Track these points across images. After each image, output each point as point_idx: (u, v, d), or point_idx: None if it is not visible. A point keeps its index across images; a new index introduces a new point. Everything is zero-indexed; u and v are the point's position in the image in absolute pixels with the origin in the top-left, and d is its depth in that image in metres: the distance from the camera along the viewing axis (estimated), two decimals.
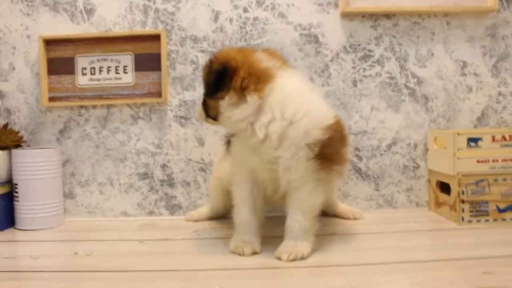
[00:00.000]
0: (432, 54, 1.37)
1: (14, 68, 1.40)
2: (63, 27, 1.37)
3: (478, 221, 1.19)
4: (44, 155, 1.29)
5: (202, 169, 1.38)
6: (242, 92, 0.94)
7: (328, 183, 1.02)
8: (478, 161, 1.19)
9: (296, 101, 0.95)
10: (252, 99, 0.94)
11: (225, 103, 0.95)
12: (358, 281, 0.84)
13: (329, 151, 0.97)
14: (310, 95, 0.99)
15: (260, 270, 0.91)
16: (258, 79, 0.95)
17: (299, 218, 0.98)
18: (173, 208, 1.39)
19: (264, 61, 0.98)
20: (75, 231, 1.26)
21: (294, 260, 0.94)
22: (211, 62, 0.99)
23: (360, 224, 1.23)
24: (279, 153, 0.95)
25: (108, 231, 1.25)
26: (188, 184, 1.38)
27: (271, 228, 1.06)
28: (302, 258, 0.95)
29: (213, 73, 0.96)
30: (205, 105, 1.02)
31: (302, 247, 0.97)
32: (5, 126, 1.36)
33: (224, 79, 0.95)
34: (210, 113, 1.01)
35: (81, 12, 1.37)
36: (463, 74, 1.38)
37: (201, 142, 1.37)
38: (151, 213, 1.39)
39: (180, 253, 1.04)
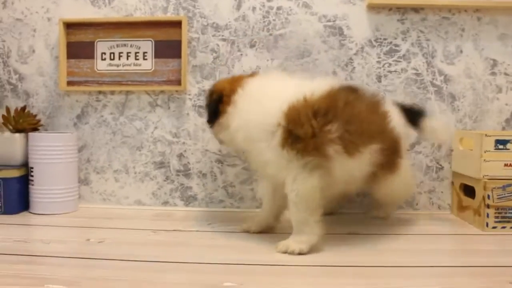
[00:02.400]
0: (461, 51, 1.32)
1: (34, 51, 1.39)
2: (84, 11, 1.36)
3: (503, 227, 1.14)
4: (61, 139, 1.28)
5: (219, 161, 1.35)
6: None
7: (315, 168, 0.96)
8: (505, 165, 1.14)
9: (251, 99, 1.02)
10: (228, 114, 1.05)
11: (217, 128, 1.10)
12: (376, 283, 0.81)
13: (297, 133, 0.95)
14: (267, 90, 1.03)
15: (272, 266, 0.88)
16: (233, 95, 1.05)
17: (292, 211, 0.98)
18: (188, 199, 1.37)
19: (239, 79, 1.08)
20: (88, 218, 1.25)
21: (284, 252, 0.95)
22: (210, 92, 1.11)
23: (380, 225, 1.19)
24: (248, 151, 1.04)
25: (121, 219, 1.24)
26: (204, 175, 1.36)
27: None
28: (294, 253, 0.95)
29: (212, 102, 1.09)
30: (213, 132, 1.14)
31: (296, 242, 0.96)
32: (23, 108, 1.35)
33: (218, 106, 1.07)
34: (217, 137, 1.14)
35: None
36: (493, 73, 1.32)
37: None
38: (165, 203, 1.38)
39: (192, 245, 1.01)
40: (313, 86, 1.00)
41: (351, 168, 0.99)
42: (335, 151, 0.96)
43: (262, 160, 0.99)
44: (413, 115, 1.17)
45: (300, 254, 0.94)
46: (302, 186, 0.96)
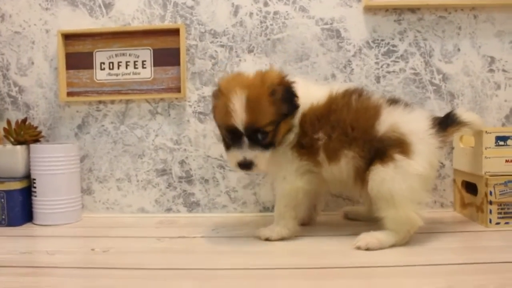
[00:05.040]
0: (459, 50, 1.32)
1: (33, 63, 1.39)
2: (82, 22, 1.36)
3: (506, 223, 1.14)
4: (62, 150, 1.28)
5: (221, 166, 1.36)
6: None
7: (306, 172, 1.06)
8: (507, 161, 1.15)
9: None
10: None
11: None
12: (380, 283, 0.81)
13: (301, 139, 1.05)
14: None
15: (278, 270, 0.88)
16: None
17: (276, 203, 1.09)
18: (191, 205, 1.37)
19: None
20: (92, 227, 1.25)
21: (257, 236, 1.07)
22: None
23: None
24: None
25: (125, 228, 1.24)
26: (206, 181, 1.36)
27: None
28: (261, 238, 1.07)
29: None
30: None
31: (269, 229, 1.08)
32: (24, 121, 1.35)
33: None
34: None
35: (99, 6, 1.36)
36: (491, 70, 1.33)
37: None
38: (169, 210, 1.38)
39: (197, 252, 1.01)
40: (320, 92, 1.07)
41: (334, 172, 1.06)
42: (322, 158, 1.05)
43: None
44: (443, 120, 1.10)
45: (267, 240, 1.06)
46: (289, 186, 1.06)
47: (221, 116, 1.02)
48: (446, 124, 1.08)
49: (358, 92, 1.07)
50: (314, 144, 1.04)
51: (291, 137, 1.05)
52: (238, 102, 0.97)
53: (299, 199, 1.07)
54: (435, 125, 1.05)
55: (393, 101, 1.07)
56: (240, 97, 0.97)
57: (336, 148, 1.03)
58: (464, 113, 1.11)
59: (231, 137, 1.01)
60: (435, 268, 0.87)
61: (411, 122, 1.03)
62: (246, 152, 0.99)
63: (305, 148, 1.04)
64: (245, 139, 0.99)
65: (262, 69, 1.06)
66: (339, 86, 1.08)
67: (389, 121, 1.02)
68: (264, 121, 0.98)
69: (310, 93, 1.06)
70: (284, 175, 1.06)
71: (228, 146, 1.03)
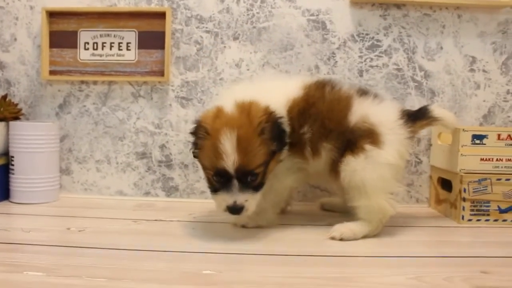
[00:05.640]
0: (441, 48, 1.34)
1: (15, 39, 1.37)
2: (67, 0, 1.35)
3: (478, 220, 1.17)
4: (42, 128, 1.27)
5: None
6: None
7: (297, 171, 1.07)
8: (482, 159, 1.17)
9: None
10: None
11: None
12: (352, 272, 0.83)
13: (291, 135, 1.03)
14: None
15: (251, 255, 0.90)
16: None
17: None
18: (170, 189, 1.37)
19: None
20: (69, 207, 1.25)
21: (240, 225, 1.08)
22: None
23: None
24: None
25: (102, 209, 1.24)
26: (186, 166, 1.37)
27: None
28: (237, 224, 1.08)
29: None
30: None
31: (249, 218, 1.06)
32: (4, 97, 1.34)
33: None
34: None
35: None
36: (472, 70, 1.35)
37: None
38: (147, 193, 1.38)
39: (173, 234, 1.02)
40: (292, 86, 1.06)
41: (316, 166, 1.06)
42: (308, 152, 1.04)
43: None
44: (414, 113, 1.12)
45: (243, 227, 1.07)
46: (278, 184, 1.06)
47: (209, 158, 0.95)
48: (416, 117, 1.09)
49: (331, 84, 1.07)
50: (301, 139, 1.03)
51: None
52: (228, 144, 0.91)
53: (285, 195, 1.12)
54: (404, 116, 1.07)
55: (363, 92, 1.08)
56: (230, 138, 0.91)
57: (317, 141, 1.03)
58: (436, 109, 1.12)
59: (220, 180, 0.95)
60: (404, 260, 0.89)
61: (381, 113, 1.04)
62: (237, 196, 0.94)
63: (294, 144, 1.02)
64: (235, 182, 0.93)
65: (242, 102, 0.98)
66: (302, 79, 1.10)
67: (360, 112, 1.03)
68: (256, 163, 0.94)
69: (288, 88, 1.06)
70: (275, 173, 1.03)
71: (215, 189, 0.97)
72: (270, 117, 0.96)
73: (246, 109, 0.96)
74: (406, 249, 0.96)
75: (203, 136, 0.95)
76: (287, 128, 1.00)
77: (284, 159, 1.02)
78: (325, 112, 1.03)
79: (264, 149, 0.94)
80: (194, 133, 0.99)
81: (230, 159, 0.91)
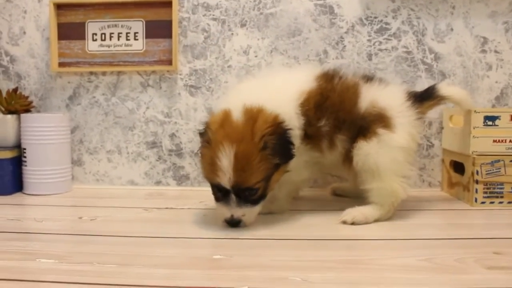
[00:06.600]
0: (452, 29, 1.32)
1: (24, 32, 1.38)
2: None
3: (491, 202, 1.15)
4: (53, 120, 1.28)
5: None
6: None
7: (314, 164, 1.06)
8: (494, 141, 1.15)
9: None
10: None
11: None
12: (363, 254, 0.82)
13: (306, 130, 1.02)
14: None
15: (259, 240, 0.89)
16: None
17: (279, 188, 1.05)
18: (181, 178, 1.38)
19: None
20: (81, 198, 1.26)
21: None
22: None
23: None
24: None
25: (114, 199, 1.25)
26: (196, 154, 1.37)
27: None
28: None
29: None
30: None
31: (263, 206, 1.00)
32: (15, 90, 1.35)
33: None
34: None
35: None
36: (483, 51, 1.33)
37: (210, 112, 1.35)
38: (158, 182, 1.39)
39: (183, 222, 1.02)
40: (303, 77, 1.05)
41: (332, 157, 1.06)
42: (326, 145, 1.04)
43: None
44: (422, 93, 1.11)
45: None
46: (296, 177, 1.04)
47: (207, 171, 0.95)
48: (423, 97, 1.09)
49: (339, 74, 1.07)
50: (319, 132, 1.02)
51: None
52: (225, 160, 0.89)
53: (301, 187, 1.16)
54: (411, 98, 1.06)
55: (368, 78, 1.08)
56: (228, 154, 0.89)
57: (332, 133, 1.03)
58: (444, 87, 1.11)
59: (218, 192, 0.95)
60: (416, 242, 0.88)
61: (388, 97, 1.04)
62: (234, 210, 0.93)
63: (312, 138, 1.01)
64: (233, 197, 0.93)
65: (251, 108, 0.94)
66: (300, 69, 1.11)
67: (369, 98, 1.03)
68: (254, 180, 0.91)
69: (300, 80, 1.04)
70: (293, 166, 0.99)
71: (216, 198, 0.97)
72: (277, 129, 0.93)
73: (253, 118, 0.93)
74: (418, 232, 0.95)
75: (205, 143, 0.95)
76: (296, 140, 0.98)
77: (302, 152, 1.01)
78: (338, 104, 1.02)
79: (266, 165, 0.91)
80: (201, 135, 0.99)
81: (226, 176, 0.90)
